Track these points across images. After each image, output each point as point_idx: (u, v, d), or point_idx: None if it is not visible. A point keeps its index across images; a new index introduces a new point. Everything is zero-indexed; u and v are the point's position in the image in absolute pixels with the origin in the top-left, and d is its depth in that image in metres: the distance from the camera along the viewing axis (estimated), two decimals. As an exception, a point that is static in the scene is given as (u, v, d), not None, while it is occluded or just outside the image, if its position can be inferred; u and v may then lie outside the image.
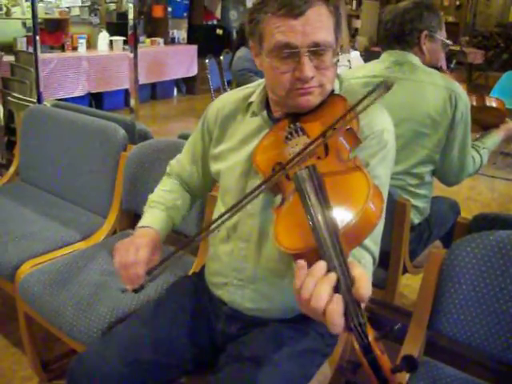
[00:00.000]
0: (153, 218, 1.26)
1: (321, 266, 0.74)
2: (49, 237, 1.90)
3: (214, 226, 1.01)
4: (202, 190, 1.39)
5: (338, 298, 0.71)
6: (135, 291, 1.06)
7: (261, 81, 1.22)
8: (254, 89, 1.22)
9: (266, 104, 1.17)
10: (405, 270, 1.81)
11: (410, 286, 2.40)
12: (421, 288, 1.33)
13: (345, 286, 0.72)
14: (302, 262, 0.76)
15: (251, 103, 1.19)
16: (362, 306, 0.72)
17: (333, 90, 1.11)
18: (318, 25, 1.00)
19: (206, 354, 1.24)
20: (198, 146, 1.32)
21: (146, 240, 1.15)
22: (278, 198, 0.98)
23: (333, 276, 0.73)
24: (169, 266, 1.04)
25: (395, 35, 1.79)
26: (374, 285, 1.74)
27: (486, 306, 1.24)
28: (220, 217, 0.98)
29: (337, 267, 0.73)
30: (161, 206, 1.29)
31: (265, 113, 1.16)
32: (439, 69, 1.86)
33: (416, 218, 1.82)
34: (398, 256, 1.71)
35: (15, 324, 1.85)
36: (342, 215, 0.79)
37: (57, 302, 1.54)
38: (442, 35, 1.80)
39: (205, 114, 1.30)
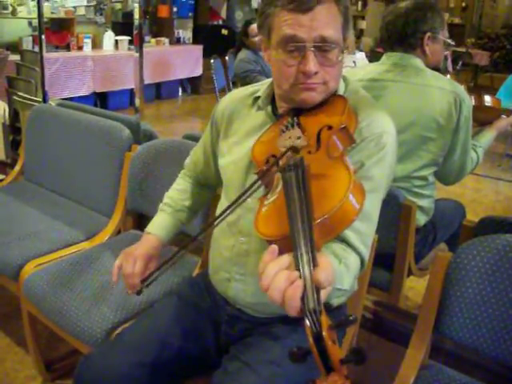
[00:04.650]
0: (158, 223, 1.36)
1: (285, 258, 0.77)
2: (53, 236, 1.90)
3: (216, 222, 1.03)
4: (218, 183, 1.41)
5: (298, 284, 0.73)
6: (136, 293, 1.23)
7: (267, 80, 1.24)
8: (260, 87, 1.25)
9: (272, 100, 1.19)
10: (409, 273, 1.80)
11: (414, 288, 2.39)
12: (426, 291, 1.32)
13: (308, 271, 0.74)
14: (273, 246, 0.80)
15: (257, 98, 1.21)
16: (322, 295, 0.72)
17: (336, 90, 1.12)
18: (326, 21, 1.01)
19: (210, 356, 1.24)
20: (208, 143, 1.35)
21: (144, 251, 1.27)
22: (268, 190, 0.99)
23: (295, 274, 0.74)
24: (167, 268, 1.14)
25: (397, 37, 1.75)
26: (379, 287, 1.75)
27: (492, 309, 1.23)
28: (220, 215, 1.00)
29: (304, 254, 0.75)
30: (168, 209, 1.38)
31: (269, 108, 1.18)
32: (442, 70, 1.84)
33: (421, 219, 1.80)
34: (403, 258, 1.70)
35: (19, 323, 1.85)
36: (320, 206, 0.82)
37: (61, 302, 1.54)
38: (444, 35, 1.77)
39: (214, 111, 1.32)
